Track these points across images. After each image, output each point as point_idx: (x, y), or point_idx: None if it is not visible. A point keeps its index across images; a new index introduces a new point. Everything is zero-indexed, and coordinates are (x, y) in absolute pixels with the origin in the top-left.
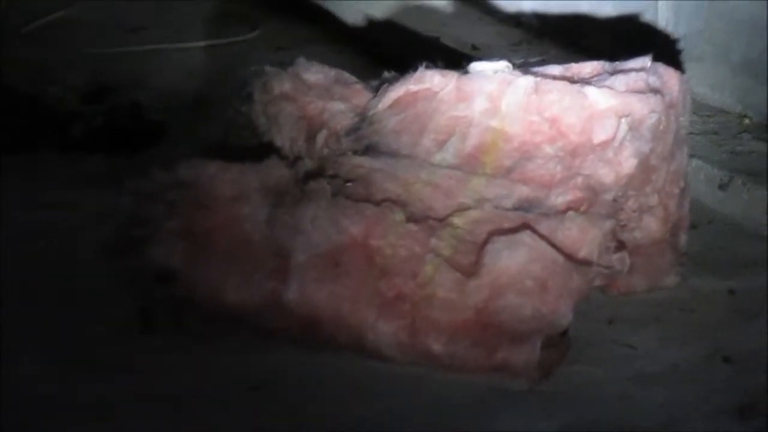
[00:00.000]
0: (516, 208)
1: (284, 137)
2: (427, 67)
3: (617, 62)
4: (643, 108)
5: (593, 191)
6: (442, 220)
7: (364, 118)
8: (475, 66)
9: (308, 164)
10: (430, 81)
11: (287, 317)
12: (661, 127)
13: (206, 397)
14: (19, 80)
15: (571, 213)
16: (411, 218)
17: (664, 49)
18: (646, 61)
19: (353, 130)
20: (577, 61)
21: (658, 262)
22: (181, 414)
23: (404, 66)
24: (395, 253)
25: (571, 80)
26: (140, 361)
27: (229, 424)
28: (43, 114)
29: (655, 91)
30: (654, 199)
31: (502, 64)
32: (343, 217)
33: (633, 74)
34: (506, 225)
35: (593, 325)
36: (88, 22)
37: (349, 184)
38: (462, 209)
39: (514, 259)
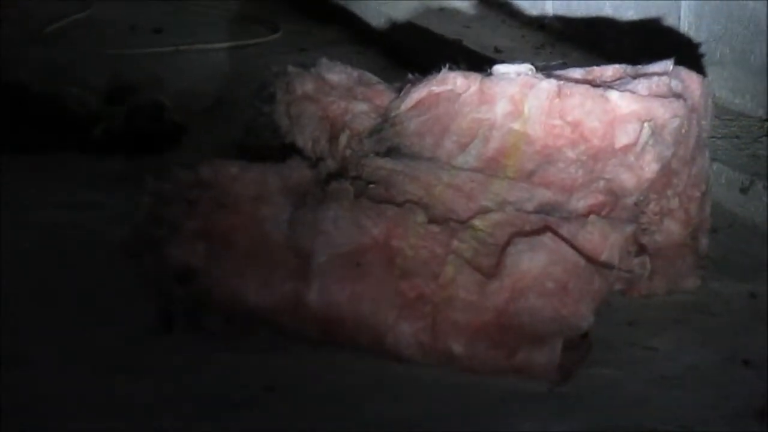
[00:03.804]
0: (537, 212)
1: (306, 138)
2: (450, 69)
3: (639, 66)
4: (666, 113)
5: (615, 195)
6: (464, 223)
7: (386, 119)
8: (498, 68)
9: (330, 165)
10: (452, 83)
11: (307, 318)
12: (683, 131)
13: (223, 398)
14: (40, 81)
15: (592, 217)
16: (432, 220)
17: (685, 53)
18: (668, 64)
19: (375, 131)
20: (599, 64)
21: (678, 265)
22: (196, 414)
23: (427, 68)
24: (416, 254)
25: (593, 83)
26: (159, 362)
27: (244, 425)
28: (64, 115)
29: (678, 95)
30: (675, 203)
31: (526, 67)
32: (364, 218)
33: (655, 78)
34: (527, 228)
35: (613, 328)
36: (109, 23)
37: (371, 185)
38: (483, 212)
39: (535, 262)
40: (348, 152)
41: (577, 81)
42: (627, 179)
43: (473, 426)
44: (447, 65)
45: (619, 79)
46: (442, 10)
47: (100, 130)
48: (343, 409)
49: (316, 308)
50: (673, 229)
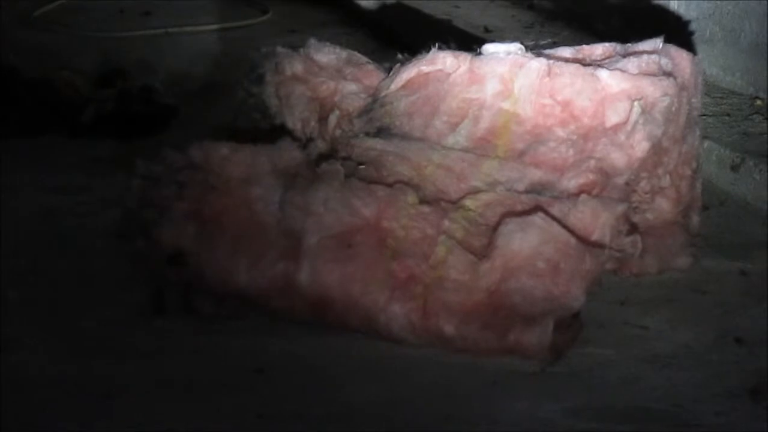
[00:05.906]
0: (528, 191)
1: (296, 119)
2: (439, 49)
3: (629, 44)
4: (656, 91)
5: (605, 174)
6: (455, 203)
7: (376, 100)
8: (488, 48)
9: (320, 146)
10: (442, 62)
11: (298, 299)
12: (674, 110)
13: (214, 380)
14: (30, 64)
15: (583, 196)
16: (423, 201)
17: (675, 31)
18: (658, 42)
19: (365, 111)
20: (588, 43)
21: (670, 243)
22: (188, 396)
23: (416, 49)
24: (408, 234)
25: (583, 62)
26: (150, 344)
27: (236, 406)
28: (54, 98)
29: (668, 73)
30: (666, 181)
31: (515, 46)
32: (355, 199)
33: (645, 56)
34: (519, 208)
35: (605, 307)
36: (98, 6)
37: (361, 166)
38: (474, 192)
39: (526, 241)
40: (338, 133)
41: (566, 60)
42: (618, 158)
43: (465, 406)
44: (436, 45)
45: (608, 57)
46: None
47: (90, 113)
48: (334, 390)
49: (306, 289)
50: (664, 207)
